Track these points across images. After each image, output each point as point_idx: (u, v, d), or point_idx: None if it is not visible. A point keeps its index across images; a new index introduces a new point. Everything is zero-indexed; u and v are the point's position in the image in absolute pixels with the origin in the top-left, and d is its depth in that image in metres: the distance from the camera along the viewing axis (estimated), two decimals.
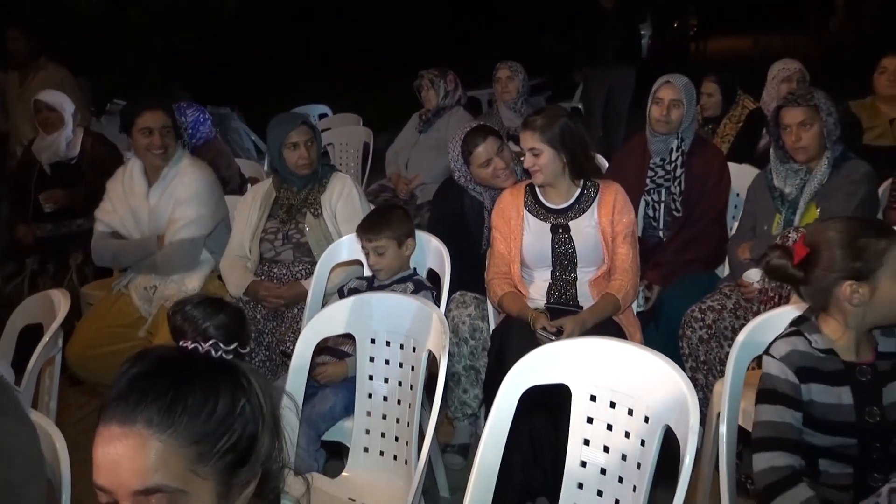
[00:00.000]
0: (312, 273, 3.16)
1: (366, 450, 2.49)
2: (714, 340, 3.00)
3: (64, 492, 1.72)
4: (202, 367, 1.07)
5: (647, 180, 3.56)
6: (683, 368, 3.08)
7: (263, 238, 3.39)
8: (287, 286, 3.28)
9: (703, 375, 3.03)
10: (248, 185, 4.49)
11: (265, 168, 5.18)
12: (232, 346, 1.10)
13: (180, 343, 1.13)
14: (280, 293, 3.26)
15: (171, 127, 3.52)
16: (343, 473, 2.49)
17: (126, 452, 1.01)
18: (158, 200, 3.51)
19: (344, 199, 3.40)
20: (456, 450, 3.23)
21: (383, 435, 2.47)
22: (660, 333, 3.25)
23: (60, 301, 2.55)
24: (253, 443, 1.07)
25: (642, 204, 3.57)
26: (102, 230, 3.60)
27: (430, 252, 3.15)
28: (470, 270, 3.19)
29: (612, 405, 1.99)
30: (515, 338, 2.78)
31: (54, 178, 4.41)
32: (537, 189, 3.04)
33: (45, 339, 2.41)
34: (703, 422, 2.72)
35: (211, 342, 1.09)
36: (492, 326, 3.14)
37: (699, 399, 2.98)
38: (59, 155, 4.42)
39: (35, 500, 1.58)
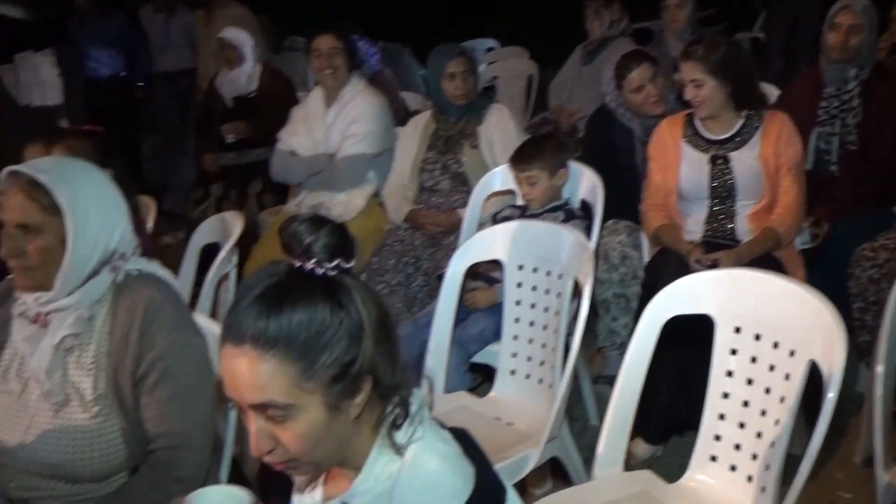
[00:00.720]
0: (469, 202, 3.25)
1: (512, 372, 2.57)
2: (885, 280, 2.84)
3: None
4: (303, 286, 1.10)
5: (820, 111, 3.36)
6: (851, 309, 2.96)
7: (423, 168, 3.50)
8: (444, 214, 3.39)
9: (872, 317, 2.88)
10: None
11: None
12: (334, 263, 1.12)
13: (287, 261, 1.16)
14: (437, 221, 3.38)
15: (340, 49, 3.74)
16: (490, 394, 2.59)
17: (239, 369, 1.08)
18: (334, 120, 3.75)
19: (501, 130, 3.45)
20: (606, 381, 3.25)
21: (529, 359, 2.53)
22: (827, 272, 3.11)
23: (235, 222, 2.77)
24: (355, 355, 1.10)
25: (813, 137, 3.37)
26: (282, 148, 3.89)
27: (584, 182, 3.14)
28: (622, 199, 3.17)
29: (758, 337, 1.95)
30: (669, 270, 2.74)
31: (236, 110, 4.70)
32: (696, 120, 2.96)
33: (221, 255, 2.64)
34: (870, 364, 2.61)
35: (314, 260, 1.11)
36: (645, 257, 3.11)
37: (867, 341, 2.89)
38: (239, 89, 4.70)
39: (207, 405, 1.77)
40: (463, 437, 1.22)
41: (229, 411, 1.91)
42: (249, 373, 1.08)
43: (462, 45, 3.94)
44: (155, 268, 1.83)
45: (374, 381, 1.14)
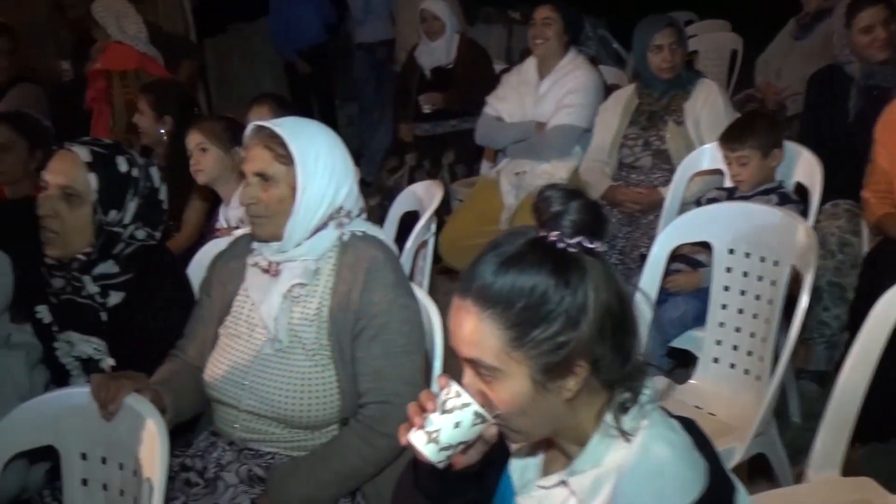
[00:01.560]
0: (670, 181, 3.12)
1: (715, 360, 2.46)
2: None
3: (437, 359, 1.93)
4: (537, 254, 1.08)
5: None
6: None
7: (623, 144, 3.41)
8: (644, 192, 3.29)
9: None
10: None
11: (627, 75, 5.13)
12: (576, 240, 1.08)
13: (533, 229, 1.13)
14: (637, 198, 3.28)
15: (553, 20, 3.71)
16: (690, 381, 2.49)
17: (459, 321, 1.11)
18: (547, 90, 3.74)
19: (709, 107, 3.29)
20: (810, 376, 3.05)
21: (735, 348, 2.41)
22: None
23: (435, 192, 2.81)
24: (570, 338, 1.06)
25: None
26: (489, 112, 3.93)
27: (801, 165, 2.94)
28: (841, 171, 2.95)
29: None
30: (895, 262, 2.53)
31: (433, 81, 4.76)
32: None
33: (420, 223, 2.69)
34: None
35: (556, 232, 1.08)
36: (865, 244, 2.88)
37: None
38: (438, 60, 4.76)
39: (417, 365, 1.81)
40: (691, 428, 1.17)
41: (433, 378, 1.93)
42: (466, 327, 1.10)
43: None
44: (377, 231, 1.90)
45: (593, 368, 1.10)
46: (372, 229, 1.89)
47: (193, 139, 2.89)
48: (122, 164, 1.98)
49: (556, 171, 3.62)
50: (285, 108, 3.03)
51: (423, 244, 2.79)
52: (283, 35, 6.41)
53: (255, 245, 1.88)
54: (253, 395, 1.81)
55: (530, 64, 3.86)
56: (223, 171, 2.90)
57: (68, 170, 1.92)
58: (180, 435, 1.91)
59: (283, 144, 1.76)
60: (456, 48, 4.77)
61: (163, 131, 3.34)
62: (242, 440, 1.85)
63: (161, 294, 2.04)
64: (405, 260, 2.61)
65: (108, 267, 1.98)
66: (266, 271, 1.85)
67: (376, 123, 6.46)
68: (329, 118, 6.30)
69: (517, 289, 1.07)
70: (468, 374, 1.14)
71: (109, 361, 2.00)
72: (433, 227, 2.80)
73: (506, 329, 1.08)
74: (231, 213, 2.86)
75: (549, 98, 3.70)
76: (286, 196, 1.77)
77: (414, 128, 4.81)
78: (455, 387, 1.16)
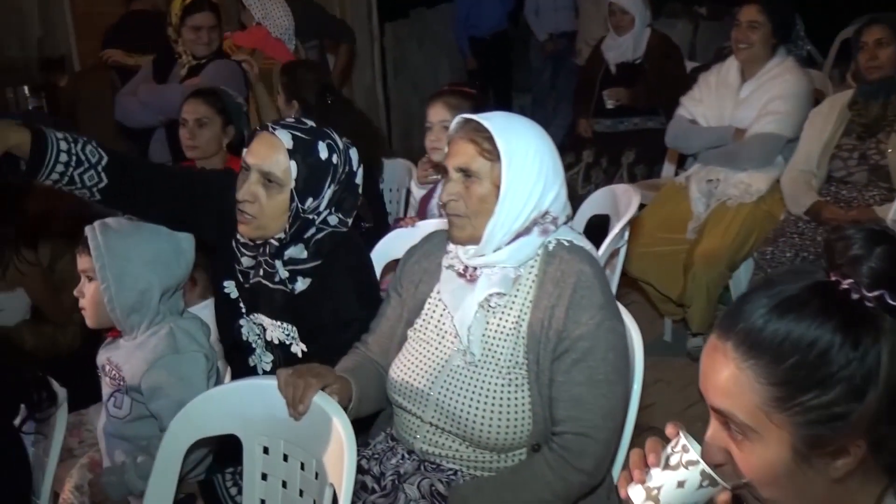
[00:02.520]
0: (890, 200, 2.82)
1: None
2: None
3: (636, 382, 1.78)
4: (823, 302, 0.91)
5: None
6: None
7: (835, 155, 3.11)
8: (857, 211, 2.98)
9: None
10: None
11: (828, 77, 4.74)
12: (877, 293, 0.90)
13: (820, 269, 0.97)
14: (848, 218, 2.97)
15: (761, 24, 3.39)
16: None
17: (715, 367, 0.96)
18: (750, 95, 3.45)
19: None
20: None
21: None
22: None
23: (631, 197, 2.63)
24: (850, 410, 0.89)
25: None
26: (683, 114, 3.67)
27: None
28: None
29: None
30: None
31: (618, 76, 4.55)
32: None
33: (615, 231, 2.51)
34: None
35: (851, 280, 0.91)
36: None
37: None
38: (625, 55, 4.54)
39: (619, 397, 1.66)
40: None
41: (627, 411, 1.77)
42: (722, 374, 0.95)
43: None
44: (584, 241, 1.75)
45: (873, 449, 0.92)
46: (579, 239, 1.74)
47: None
48: (323, 151, 1.87)
49: (753, 181, 3.34)
50: (464, 99, 2.92)
51: (616, 253, 2.60)
52: (463, 21, 6.39)
53: (451, 246, 1.77)
54: (438, 408, 1.70)
55: (732, 64, 3.55)
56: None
57: (270, 155, 1.83)
58: (357, 432, 1.84)
59: (489, 139, 1.63)
60: (645, 43, 4.54)
61: (292, 113, 3.28)
62: (423, 452, 1.74)
63: (348, 282, 1.94)
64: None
65: (298, 251, 1.90)
66: (461, 275, 1.73)
67: (550, 116, 6.31)
68: (505, 108, 6.21)
69: (792, 340, 0.91)
70: (714, 427, 1.00)
71: (301, 346, 1.94)
72: (626, 234, 2.61)
73: (770, 385, 0.92)
74: None
75: (752, 103, 3.40)
76: (489, 195, 1.65)
77: (594, 123, 4.62)
78: (683, 439, 1.02)
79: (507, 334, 1.68)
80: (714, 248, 3.27)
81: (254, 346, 2.02)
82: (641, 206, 3.54)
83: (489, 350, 1.69)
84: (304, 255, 1.91)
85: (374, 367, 1.85)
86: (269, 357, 2.00)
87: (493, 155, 1.63)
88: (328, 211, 1.91)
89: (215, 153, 3.01)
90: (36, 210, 2.64)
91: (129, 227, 1.98)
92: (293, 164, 1.83)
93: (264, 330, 1.98)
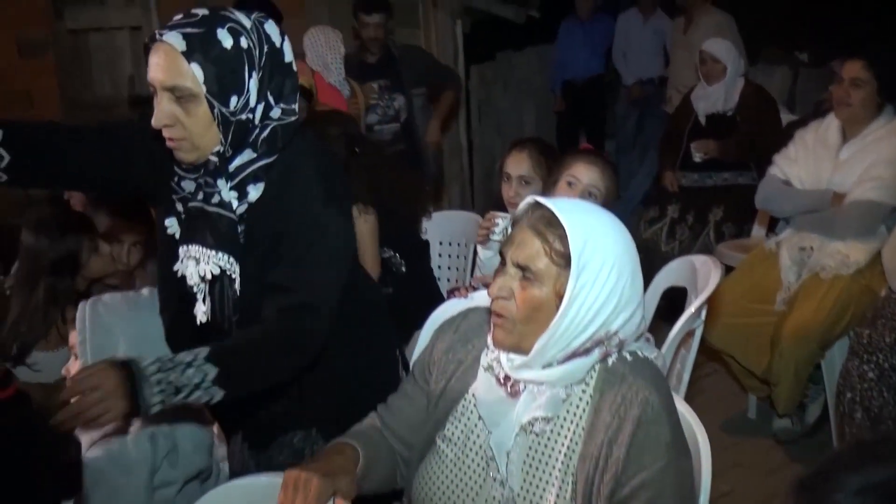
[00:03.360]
0: None
1: None
2: None
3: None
4: None
5: None
6: None
7: None
8: None
9: None
10: None
11: None
12: None
13: None
14: None
15: (866, 81, 3.09)
16: None
17: None
18: (850, 157, 3.16)
19: None
20: None
21: None
22: None
23: (711, 270, 2.40)
24: None
25: None
26: (776, 174, 3.38)
27: None
28: None
29: None
30: None
31: (708, 128, 4.34)
32: None
33: (691, 308, 2.29)
34: None
35: None
36: None
37: None
38: (716, 105, 4.34)
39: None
40: None
41: None
42: None
43: None
44: (650, 349, 1.51)
45: None
46: (646, 348, 1.50)
47: None
48: (226, 38, 1.57)
49: (851, 252, 3.05)
50: (548, 156, 2.77)
51: (690, 334, 2.36)
52: (560, 64, 6.30)
53: (493, 345, 1.51)
54: None
55: (832, 123, 3.26)
56: None
57: (168, 66, 1.55)
58: None
59: (562, 237, 1.38)
60: (738, 94, 4.32)
61: None
62: None
63: (308, 176, 1.70)
64: (667, 351, 2.21)
65: (247, 156, 1.66)
66: (502, 384, 1.49)
67: (635, 165, 6.12)
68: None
69: None
70: None
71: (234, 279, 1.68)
72: (704, 313, 2.37)
73: None
74: None
75: (853, 166, 3.11)
76: (547, 304, 1.40)
77: (680, 176, 4.40)
78: None
79: (554, 471, 1.44)
80: (805, 323, 3.00)
81: (197, 293, 1.77)
82: (729, 269, 3.33)
83: (531, 486, 1.45)
84: (254, 155, 1.67)
85: (387, 448, 1.63)
86: (204, 307, 1.76)
87: (562, 259, 1.39)
88: (263, 103, 1.64)
89: None
90: (89, 275, 2.61)
91: (120, 302, 1.88)
92: (195, 67, 1.55)
93: (197, 263, 1.73)
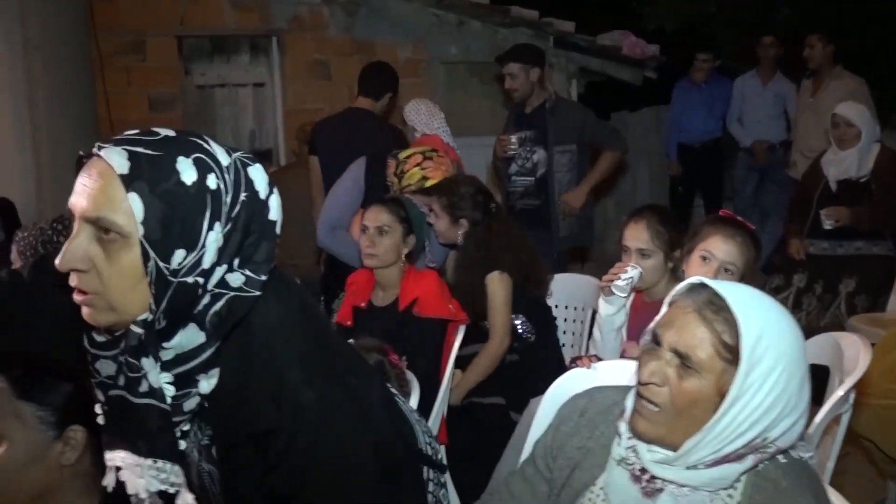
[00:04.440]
0: None
1: None
2: None
3: None
4: None
5: None
6: None
7: None
8: None
9: None
10: None
11: None
12: None
13: None
14: None
15: None
16: None
17: None
18: None
19: None
20: None
21: None
22: None
23: (860, 349, 2.21)
24: None
25: None
26: None
27: None
28: None
29: None
30: None
31: (840, 195, 4.12)
32: None
33: (838, 393, 2.10)
34: None
35: None
36: None
37: None
38: (848, 172, 4.12)
39: None
40: None
41: None
42: None
43: None
44: (807, 448, 1.36)
45: None
46: (801, 447, 1.34)
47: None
48: (188, 171, 1.14)
49: None
50: (669, 225, 2.63)
51: (837, 420, 2.16)
52: (675, 125, 6.18)
53: (627, 432, 1.37)
54: None
55: None
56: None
57: (97, 190, 1.13)
58: None
59: (731, 328, 1.23)
60: (873, 160, 4.09)
61: (460, 233, 3.09)
62: None
63: (276, 349, 1.23)
64: (815, 433, 2.03)
65: (191, 336, 1.19)
66: (636, 479, 1.34)
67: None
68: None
69: None
70: None
71: (188, 499, 1.23)
72: (852, 397, 2.17)
73: None
74: None
75: None
76: (706, 400, 1.25)
77: (808, 244, 4.19)
78: None
79: None
80: None
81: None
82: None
83: None
84: (202, 338, 1.19)
85: None
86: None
87: (729, 353, 1.24)
88: (225, 266, 1.19)
89: (393, 262, 2.89)
90: None
91: None
92: (134, 198, 1.11)
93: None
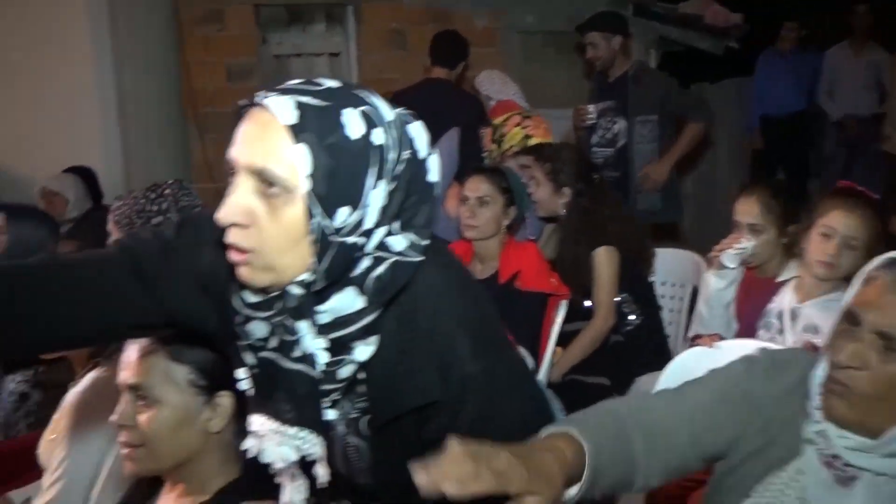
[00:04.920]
0: None
1: None
2: None
3: None
4: None
5: None
6: None
7: None
8: None
9: None
10: None
11: None
12: None
13: None
14: None
15: None
16: None
17: None
18: None
19: None
20: None
21: None
22: None
23: None
24: None
25: None
26: None
27: None
28: None
29: None
30: None
31: None
32: None
33: None
34: None
35: None
36: None
37: None
38: None
39: None
40: None
41: None
42: None
43: None
44: None
45: None
46: None
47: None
48: (355, 124, 1.07)
49: None
50: (782, 199, 2.52)
51: None
52: (759, 98, 5.99)
53: (818, 414, 1.28)
54: None
55: None
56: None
57: (263, 140, 1.07)
58: None
59: None
60: None
61: (562, 202, 3.00)
62: None
63: (443, 320, 1.17)
64: None
65: (348, 300, 1.13)
66: (830, 464, 1.26)
67: None
68: (800, 195, 5.70)
69: None
70: None
71: (322, 472, 1.18)
72: None
73: None
74: None
75: None
76: None
77: None
78: None
79: None
80: None
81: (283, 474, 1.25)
82: None
83: None
84: (360, 303, 1.13)
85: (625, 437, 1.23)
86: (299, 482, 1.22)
87: None
88: (386, 227, 1.13)
89: (493, 234, 2.84)
90: None
91: None
92: (302, 150, 1.05)
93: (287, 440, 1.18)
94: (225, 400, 1.43)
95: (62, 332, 1.24)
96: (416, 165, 1.13)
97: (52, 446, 1.92)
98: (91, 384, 1.93)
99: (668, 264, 3.25)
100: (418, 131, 1.15)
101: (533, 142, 3.23)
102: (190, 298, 1.24)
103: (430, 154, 1.15)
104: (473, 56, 4.57)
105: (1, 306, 1.18)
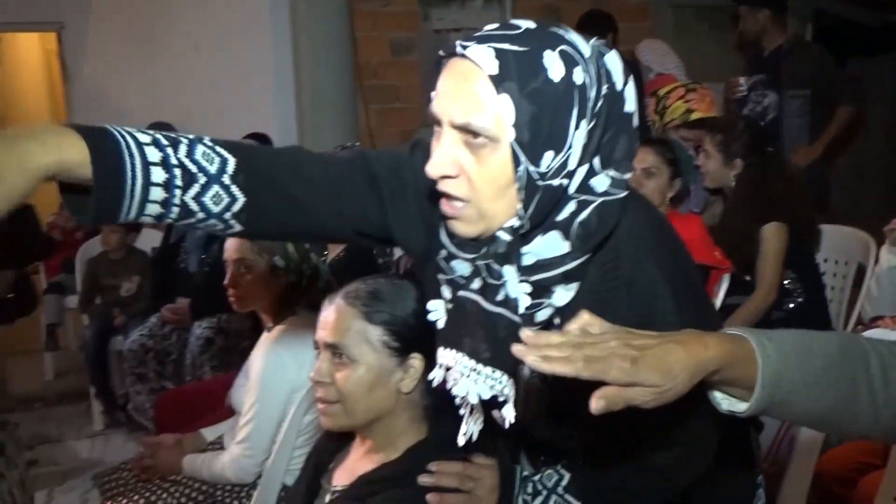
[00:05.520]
0: None
1: None
2: None
3: None
4: None
5: None
6: None
7: None
8: None
9: None
10: None
11: None
12: None
13: None
14: None
15: None
16: None
17: None
18: None
19: None
20: None
21: None
22: None
23: None
24: None
25: None
26: None
27: None
28: None
29: None
30: None
31: None
32: None
33: None
34: None
35: None
36: None
37: None
38: None
39: None
40: None
41: None
42: None
43: None
44: None
45: None
46: None
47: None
48: (556, 66, 1.07)
49: None
50: None
51: None
52: None
53: None
54: None
55: None
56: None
57: (466, 93, 1.09)
58: None
59: None
60: None
61: (733, 174, 2.98)
62: None
63: (646, 270, 1.17)
64: None
65: (552, 244, 1.14)
66: None
67: None
68: None
69: None
70: None
71: (510, 414, 1.20)
72: None
73: None
74: None
75: None
76: None
77: None
78: None
79: None
80: None
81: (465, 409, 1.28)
82: None
83: None
84: (564, 248, 1.14)
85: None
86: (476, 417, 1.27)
87: None
88: (587, 168, 1.13)
89: (657, 205, 2.93)
90: None
91: None
92: (505, 100, 1.06)
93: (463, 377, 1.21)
94: (416, 362, 1.47)
95: (302, 218, 1.25)
96: (614, 98, 1.12)
97: (244, 392, 2.22)
98: (280, 336, 2.19)
99: (835, 241, 3.22)
100: (614, 62, 1.13)
101: (695, 116, 3.30)
102: (411, 219, 1.28)
103: (626, 84, 1.14)
104: (626, 31, 4.69)
105: (259, 183, 1.19)
